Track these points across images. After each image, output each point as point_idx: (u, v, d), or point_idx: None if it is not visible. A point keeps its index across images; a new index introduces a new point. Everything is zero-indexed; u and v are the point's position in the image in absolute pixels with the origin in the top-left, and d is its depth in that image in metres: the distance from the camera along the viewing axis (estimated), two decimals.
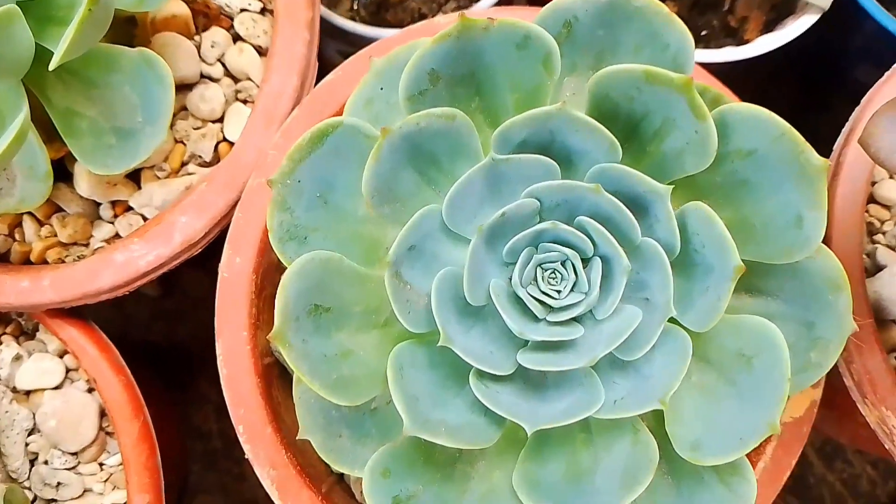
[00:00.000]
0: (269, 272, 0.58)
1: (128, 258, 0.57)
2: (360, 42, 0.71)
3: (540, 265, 0.46)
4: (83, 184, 0.59)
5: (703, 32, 0.69)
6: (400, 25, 0.73)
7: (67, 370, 0.62)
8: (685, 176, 0.45)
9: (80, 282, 0.57)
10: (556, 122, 0.44)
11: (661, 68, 0.44)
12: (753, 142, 0.44)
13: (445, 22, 0.59)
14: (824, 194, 0.43)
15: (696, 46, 0.67)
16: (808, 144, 0.43)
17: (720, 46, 0.67)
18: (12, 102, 0.52)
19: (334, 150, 0.48)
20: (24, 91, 0.52)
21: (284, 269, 0.46)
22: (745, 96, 0.63)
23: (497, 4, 0.70)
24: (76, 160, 0.57)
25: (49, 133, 0.57)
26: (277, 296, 0.44)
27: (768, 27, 0.69)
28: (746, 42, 0.67)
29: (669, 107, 0.43)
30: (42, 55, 0.51)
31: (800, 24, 0.66)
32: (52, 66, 0.48)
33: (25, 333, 0.64)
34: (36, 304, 0.58)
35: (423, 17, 0.73)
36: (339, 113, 0.58)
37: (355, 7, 0.73)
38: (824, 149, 0.61)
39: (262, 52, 0.63)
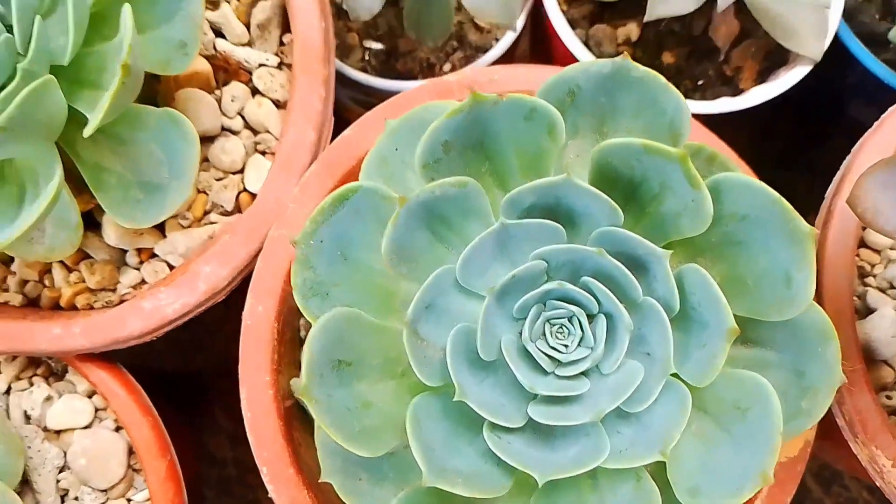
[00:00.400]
0: (289, 318, 0.61)
1: (155, 306, 0.60)
2: (371, 91, 0.74)
3: (548, 321, 0.49)
4: (111, 233, 0.62)
5: (700, 82, 0.72)
6: (410, 74, 0.76)
7: (96, 410, 0.65)
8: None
9: (109, 329, 0.60)
10: (562, 189, 0.47)
11: (659, 138, 0.47)
12: (746, 208, 0.47)
13: (455, 80, 0.62)
14: (813, 257, 0.46)
15: (693, 97, 0.71)
16: (796, 213, 0.46)
17: (717, 95, 0.70)
18: (46, 163, 0.55)
19: (354, 211, 0.51)
20: (57, 151, 0.55)
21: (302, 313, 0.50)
22: (742, 134, 0.66)
23: (502, 57, 0.73)
24: (104, 211, 0.60)
25: (79, 186, 0.60)
26: (304, 352, 0.47)
27: (763, 75, 0.72)
28: (742, 90, 0.71)
29: (666, 175, 0.46)
30: (74, 115, 0.55)
31: (793, 75, 0.69)
32: (86, 133, 0.51)
33: (55, 374, 0.67)
34: (67, 350, 0.61)
35: (431, 66, 0.76)
36: (355, 168, 0.62)
37: (366, 57, 0.76)
38: (821, 181, 0.64)
39: (279, 104, 0.66)
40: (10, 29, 0.52)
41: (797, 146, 0.93)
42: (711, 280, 0.46)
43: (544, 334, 0.49)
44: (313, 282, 0.51)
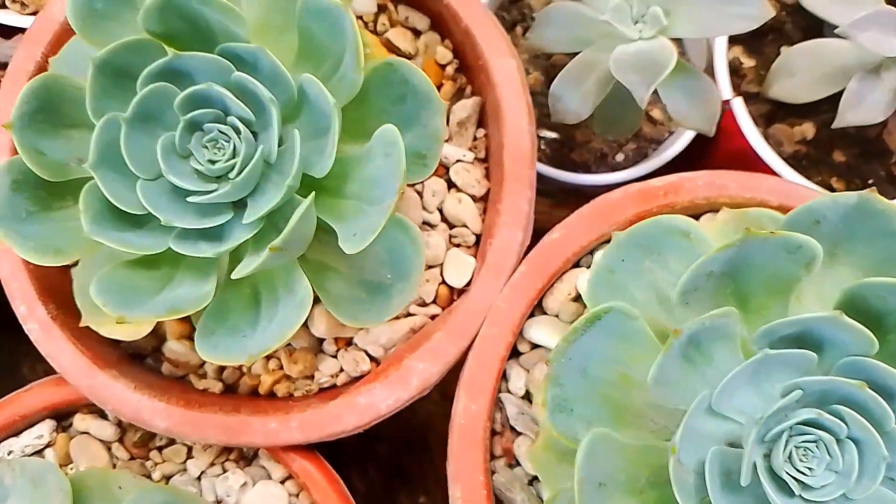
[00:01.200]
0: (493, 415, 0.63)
1: (370, 402, 0.62)
2: (547, 180, 0.76)
3: (796, 447, 0.50)
4: (321, 326, 0.64)
5: (870, 181, 0.74)
6: (584, 164, 0.78)
7: (289, 495, 0.66)
8: None
9: (325, 424, 0.62)
10: (821, 323, 0.49)
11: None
12: None
13: (660, 185, 0.64)
14: None
15: None
16: None
17: (885, 194, 0.72)
18: (288, 270, 0.56)
19: (601, 331, 0.53)
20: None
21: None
22: None
23: (684, 151, 0.75)
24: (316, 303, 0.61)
25: None
26: (575, 474, 0.48)
27: None
28: None
29: None
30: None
31: None
32: (351, 251, 0.52)
33: (245, 458, 0.68)
34: (281, 444, 0.62)
35: (603, 156, 0.78)
36: (562, 268, 0.64)
37: (542, 147, 0.78)
38: None
39: (475, 199, 0.68)
40: (254, 134, 0.54)
41: None
42: None
43: (790, 459, 0.51)
44: (561, 398, 0.53)
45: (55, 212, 0.56)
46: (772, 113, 0.74)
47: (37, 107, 0.53)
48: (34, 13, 0.76)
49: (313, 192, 0.53)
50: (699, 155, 0.77)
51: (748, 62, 0.75)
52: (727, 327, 0.50)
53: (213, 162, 0.54)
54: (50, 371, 0.96)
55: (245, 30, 0.53)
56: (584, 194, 0.78)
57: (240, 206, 0.56)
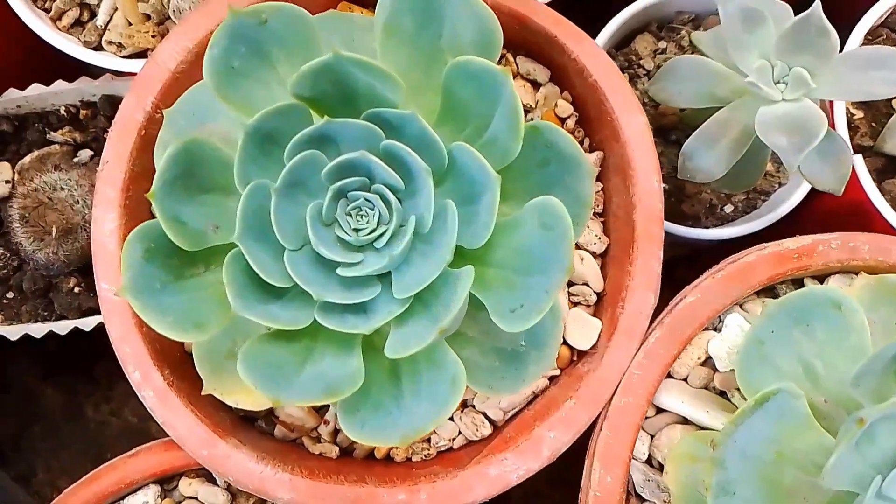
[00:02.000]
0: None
1: (500, 472, 0.59)
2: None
3: None
4: None
5: None
6: (695, 217, 0.76)
7: None
8: None
9: (454, 495, 0.59)
10: None
11: None
12: None
13: (795, 247, 0.62)
14: None
15: None
16: None
17: None
18: (438, 350, 0.54)
19: (766, 412, 0.51)
20: None
21: None
22: None
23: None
24: None
25: None
26: None
27: None
28: None
29: None
30: None
31: None
32: (511, 329, 0.50)
33: None
34: None
35: (713, 207, 0.76)
36: (694, 333, 0.62)
37: None
38: None
39: (594, 256, 0.66)
40: (399, 201, 0.52)
41: None
42: None
43: None
44: (725, 482, 0.51)
45: (187, 280, 0.53)
46: (884, 167, 0.73)
47: (178, 173, 0.51)
48: (130, 56, 0.73)
49: (471, 267, 0.50)
50: (805, 205, 0.76)
51: (858, 114, 0.74)
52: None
53: (357, 230, 0.52)
54: (117, 412, 0.94)
55: (399, 95, 0.51)
56: (692, 247, 0.76)
57: (383, 277, 0.53)
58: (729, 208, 0.75)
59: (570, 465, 0.63)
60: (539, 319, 0.49)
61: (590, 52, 0.64)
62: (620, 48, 0.79)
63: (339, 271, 0.51)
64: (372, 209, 0.52)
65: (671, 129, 0.75)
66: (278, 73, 0.55)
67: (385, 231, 0.52)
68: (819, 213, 0.76)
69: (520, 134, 0.51)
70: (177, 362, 0.61)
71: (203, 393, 0.57)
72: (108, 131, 0.80)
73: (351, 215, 0.52)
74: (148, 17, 0.73)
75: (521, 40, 0.66)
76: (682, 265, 0.79)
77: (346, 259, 0.51)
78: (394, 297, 0.51)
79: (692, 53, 0.76)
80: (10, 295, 0.79)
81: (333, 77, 0.50)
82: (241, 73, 0.53)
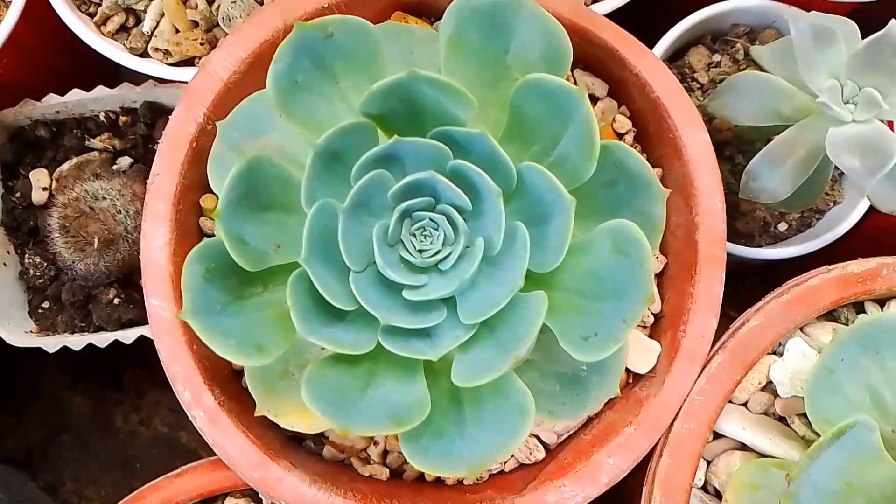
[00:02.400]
0: None
1: (559, 499, 0.58)
2: None
3: None
4: None
5: None
6: (749, 235, 0.74)
7: None
8: None
9: None
10: None
11: None
12: None
13: (860, 271, 0.60)
14: None
15: None
16: None
17: None
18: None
19: (840, 444, 0.50)
20: None
21: None
22: None
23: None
24: None
25: None
26: None
27: None
28: None
29: None
30: None
31: None
32: (585, 358, 0.48)
33: None
34: None
35: (766, 224, 0.74)
36: (757, 358, 0.60)
37: None
38: None
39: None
40: (452, 224, 0.51)
41: None
42: None
43: None
44: None
45: (246, 301, 0.52)
46: None
47: (242, 192, 0.49)
48: (177, 63, 0.71)
49: (543, 293, 0.49)
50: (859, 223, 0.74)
51: None
52: None
53: (421, 251, 0.51)
54: (147, 422, 0.92)
55: (469, 113, 0.49)
56: (738, 263, 0.74)
57: (448, 301, 0.52)
58: (783, 226, 0.74)
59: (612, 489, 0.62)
60: (615, 350, 0.47)
61: (652, 66, 0.62)
62: (673, 61, 0.77)
63: (405, 294, 0.49)
64: (437, 229, 0.50)
65: (725, 144, 0.73)
66: (340, 88, 0.53)
67: (450, 253, 0.50)
68: (871, 231, 0.75)
69: (595, 154, 0.49)
70: (225, 381, 0.60)
71: (256, 414, 0.56)
72: (147, 138, 0.79)
73: (415, 236, 0.51)
74: (196, 24, 0.71)
75: (581, 53, 0.65)
76: (729, 283, 0.78)
77: (411, 281, 0.50)
78: (460, 321, 0.50)
79: (747, 67, 0.74)
80: (45, 305, 0.77)
81: (403, 94, 0.49)
82: (305, 87, 0.52)
